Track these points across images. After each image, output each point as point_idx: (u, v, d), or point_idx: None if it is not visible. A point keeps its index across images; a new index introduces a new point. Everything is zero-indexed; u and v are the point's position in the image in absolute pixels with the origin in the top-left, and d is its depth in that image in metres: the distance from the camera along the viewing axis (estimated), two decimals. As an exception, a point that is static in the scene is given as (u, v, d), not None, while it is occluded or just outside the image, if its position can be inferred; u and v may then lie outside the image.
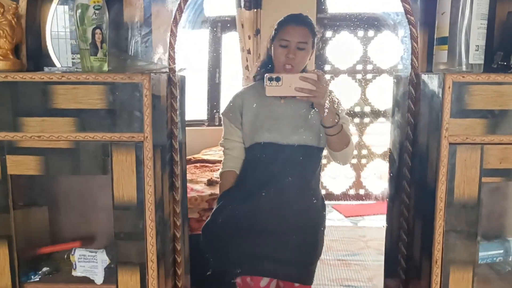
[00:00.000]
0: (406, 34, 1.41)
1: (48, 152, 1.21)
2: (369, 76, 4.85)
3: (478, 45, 1.22)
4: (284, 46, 1.51)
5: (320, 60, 4.55)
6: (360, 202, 4.74)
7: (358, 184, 4.78)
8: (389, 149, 1.58)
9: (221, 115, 1.72)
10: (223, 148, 1.68)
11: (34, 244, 1.40)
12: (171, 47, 1.39)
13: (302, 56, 1.52)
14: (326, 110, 1.42)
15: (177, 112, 1.42)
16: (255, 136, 1.57)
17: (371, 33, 4.69)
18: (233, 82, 4.84)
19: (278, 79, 1.38)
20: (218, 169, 3.54)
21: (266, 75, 1.39)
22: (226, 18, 4.49)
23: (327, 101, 1.41)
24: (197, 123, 4.50)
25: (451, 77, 1.14)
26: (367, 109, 4.87)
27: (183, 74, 1.60)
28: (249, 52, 4.25)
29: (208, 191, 2.96)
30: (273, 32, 1.59)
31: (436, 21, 1.28)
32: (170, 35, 1.39)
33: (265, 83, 1.39)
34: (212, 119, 4.51)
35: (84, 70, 1.21)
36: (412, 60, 1.37)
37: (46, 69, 1.31)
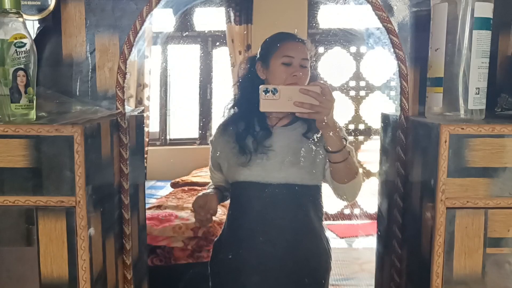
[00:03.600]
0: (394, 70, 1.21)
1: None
2: (362, 93, 4.79)
3: (478, 88, 1.02)
4: (288, 64, 1.34)
5: (312, 76, 4.42)
6: (355, 222, 4.64)
7: (353, 203, 4.53)
8: (378, 204, 1.37)
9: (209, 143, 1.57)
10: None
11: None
12: (119, 86, 1.18)
13: (306, 76, 1.36)
14: (331, 131, 1.21)
15: (127, 162, 1.21)
16: (235, 174, 1.37)
17: (363, 48, 4.64)
18: (225, 98, 4.69)
19: (275, 91, 1.18)
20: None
21: (261, 87, 1.19)
22: (217, 33, 4.43)
23: (332, 119, 1.21)
24: (188, 141, 4.32)
25: (448, 128, 0.94)
26: (361, 126, 4.79)
27: (140, 114, 1.39)
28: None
29: (193, 218, 2.74)
30: (264, 51, 1.40)
31: (429, 59, 1.08)
32: (118, 72, 1.18)
33: (259, 96, 1.19)
34: (203, 138, 4.34)
35: (4, 120, 1.00)
36: (401, 101, 1.17)
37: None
